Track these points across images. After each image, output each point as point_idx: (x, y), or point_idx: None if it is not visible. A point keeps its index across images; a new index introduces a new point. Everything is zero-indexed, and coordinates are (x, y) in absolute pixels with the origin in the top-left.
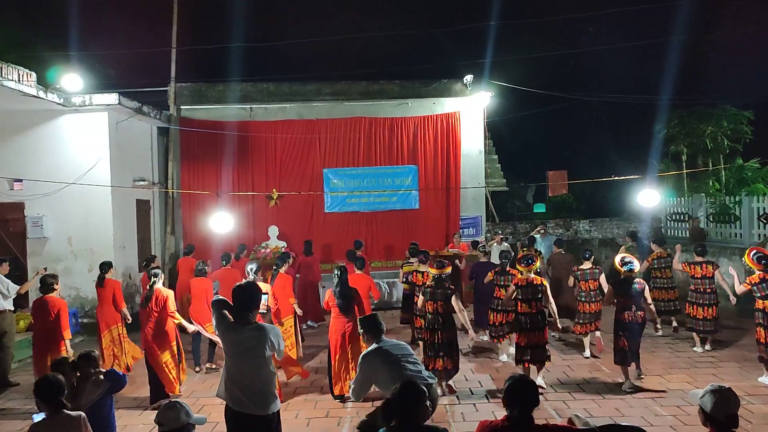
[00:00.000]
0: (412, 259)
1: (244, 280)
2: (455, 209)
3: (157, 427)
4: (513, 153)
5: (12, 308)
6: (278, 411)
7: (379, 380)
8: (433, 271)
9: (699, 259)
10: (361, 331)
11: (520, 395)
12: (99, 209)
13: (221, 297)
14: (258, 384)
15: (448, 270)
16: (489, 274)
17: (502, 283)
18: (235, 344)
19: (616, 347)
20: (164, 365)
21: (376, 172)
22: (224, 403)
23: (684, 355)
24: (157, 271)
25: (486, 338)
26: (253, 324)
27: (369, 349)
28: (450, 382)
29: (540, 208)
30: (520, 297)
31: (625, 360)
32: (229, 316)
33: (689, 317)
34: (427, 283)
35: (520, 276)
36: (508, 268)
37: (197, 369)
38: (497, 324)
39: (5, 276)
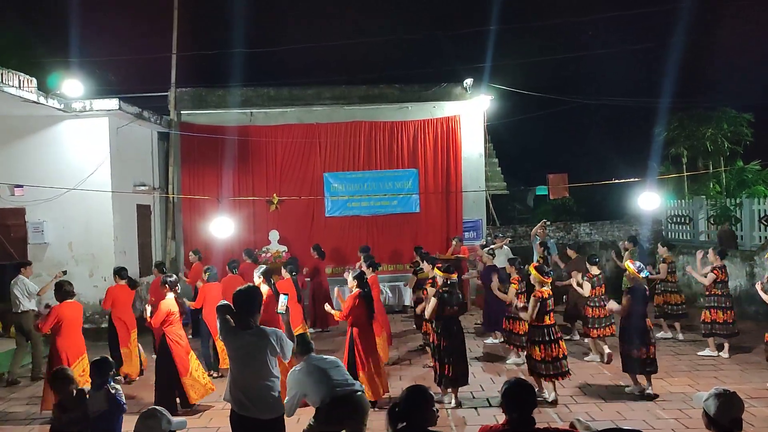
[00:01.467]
0: (423, 265)
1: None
2: (456, 213)
3: None
4: (513, 156)
5: (35, 308)
6: (283, 415)
7: (307, 393)
8: (441, 275)
9: (720, 263)
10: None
11: (517, 399)
12: (100, 214)
13: (225, 302)
14: (261, 388)
15: (455, 276)
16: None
17: (523, 290)
18: (236, 349)
19: (632, 355)
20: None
21: (376, 175)
22: (227, 407)
23: (685, 358)
24: (174, 278)
25: (497, 341)
26: (254, 328)
27: (297, 365)
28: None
29: (542, 190)
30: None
31: (635, 368)
32: (231, 321)
33: (708, 323)
34: (443, 288)
35: (544, 289)
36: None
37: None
38: (516, 332)
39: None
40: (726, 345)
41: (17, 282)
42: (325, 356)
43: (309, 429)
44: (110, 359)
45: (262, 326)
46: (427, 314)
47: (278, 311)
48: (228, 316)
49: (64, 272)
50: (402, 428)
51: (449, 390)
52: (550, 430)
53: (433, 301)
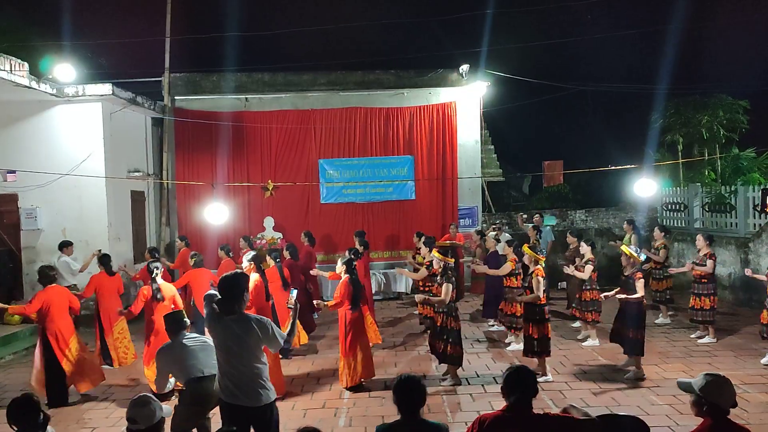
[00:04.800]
0: (421, 248)
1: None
2: (451, 199)
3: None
4: (509, 143)
5: (76, 284)
6: (272, 402)
7: (172, 371)
8: (439, 257)
9: (711, 249)
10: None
11: (518, 384)
12: (93, 200)
13: (213, 291)
14: (246, 375)
15: (452, 261)
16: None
17: (519, 272)
18: (220, 336)
19: (640, 339)
20: None
21: (371, 162)
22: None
23: (680, 344)
24: (157, 264)
25: (497, 327)
26: (237, 314)
27: (166, 343)
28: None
29: (550, 221)
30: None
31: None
32: (217, 309)
33: (708, 309)
34: (449, 273)
35: (539, 267)
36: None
37: None
38: (513, 314)
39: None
40: (711, 329)
41: (59, 260)
42: (197, 335)
43: (176, 409)
44: (35, 399)
45: (246, 313)
46: (446, 299)
47: (288, 305)
48: (215, 305)
49: (100, 251)
50: (399, 419)
51: (447, 368)
52: (550, 415)
53: (448, 286)
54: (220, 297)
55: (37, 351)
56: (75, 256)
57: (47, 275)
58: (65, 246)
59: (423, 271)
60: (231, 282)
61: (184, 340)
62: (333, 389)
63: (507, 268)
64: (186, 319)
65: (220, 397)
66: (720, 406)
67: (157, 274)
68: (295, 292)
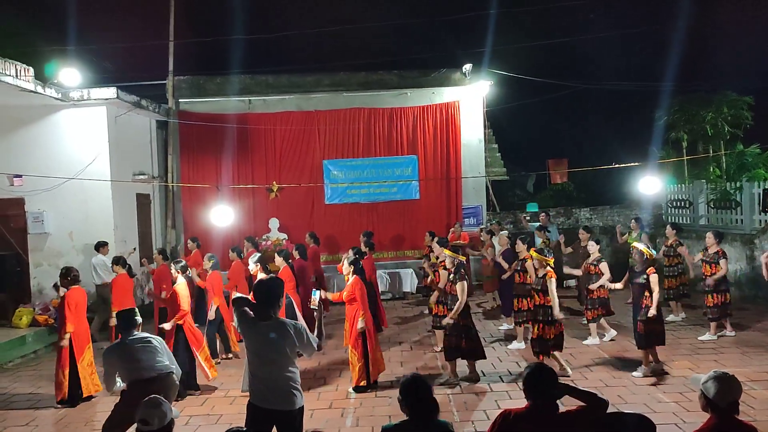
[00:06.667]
0: (434, 246)
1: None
2: (456, 199)
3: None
4: (513, 142)
5: (109, 281)
6: (302, 407)
7: (118, 371)
8: (450, 254)
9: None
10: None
11: (538, 383)
12: (99, 204)
13: (242, 294)
14: (280, 379)
15: (463, 258)
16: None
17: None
18: (254, 340)
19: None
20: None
21: (376, 162)
22: (229, 394)
23: (686, 341)
24: (184, 263)
25: (511, 326)
26: (273, 319)
27: (114, 342)
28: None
29: (533, 207)
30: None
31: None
32: (250, 313)
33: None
34: (462, 271)
35: (549, 269)
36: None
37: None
38: (522, 309)
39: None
40: (712, 326)
41: (96, 259)
42: (145, 335)
43: (115, 407)
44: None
45: (281, 318)
46: (464, 298)
47: (311, 306)
48: (246, 308)
49: (135, 249)
50: (407, 419)
51: (462, 363)
52: (572, 411)
53: (463, 284)
54: (255, 302)
55: (64, 352)
56: (43, 266)
57: (74, 277)
58: (101, 246)
59: (443, 276)
60: (268, 287)
61: (129, 340)
62: (340, 389)
63: (531, 267)
64: (137, 318)
65: (251, 400)
66: (718, 405)
67: (189, 272)
68: (317, 293)
